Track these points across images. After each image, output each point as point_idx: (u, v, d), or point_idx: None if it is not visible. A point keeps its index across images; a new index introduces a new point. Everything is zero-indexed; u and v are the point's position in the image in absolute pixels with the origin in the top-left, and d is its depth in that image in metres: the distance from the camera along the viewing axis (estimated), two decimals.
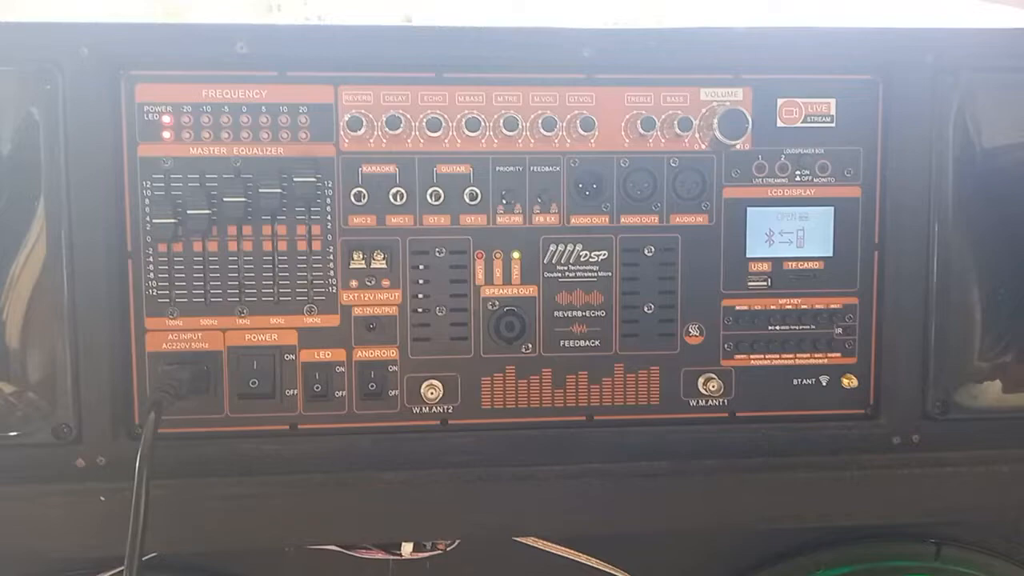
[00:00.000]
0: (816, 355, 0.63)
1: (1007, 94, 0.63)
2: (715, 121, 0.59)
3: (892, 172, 0.61)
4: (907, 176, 0.61)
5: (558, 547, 0.65)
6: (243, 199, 0.58)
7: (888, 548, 0.68)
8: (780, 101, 0.62)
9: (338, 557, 0.64)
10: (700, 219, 0.61)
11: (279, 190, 0.58)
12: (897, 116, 0.61)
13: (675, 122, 0.60)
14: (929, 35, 0.62)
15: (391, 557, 0.63)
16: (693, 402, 0.62)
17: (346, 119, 0.58)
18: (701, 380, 0.62)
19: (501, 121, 0.59)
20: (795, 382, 0.63)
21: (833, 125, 0.61)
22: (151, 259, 0.58)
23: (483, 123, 0.59)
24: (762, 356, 0.62)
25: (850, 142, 0.62)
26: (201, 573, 0.63)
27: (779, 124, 0.61)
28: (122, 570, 0.50)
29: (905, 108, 0.61)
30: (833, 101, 0.62)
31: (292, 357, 0.59)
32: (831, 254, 0.62)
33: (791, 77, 0.61)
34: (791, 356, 0.63)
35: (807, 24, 0.62)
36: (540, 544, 0.65)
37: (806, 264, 0.62)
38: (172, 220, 0.58)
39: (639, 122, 0.59)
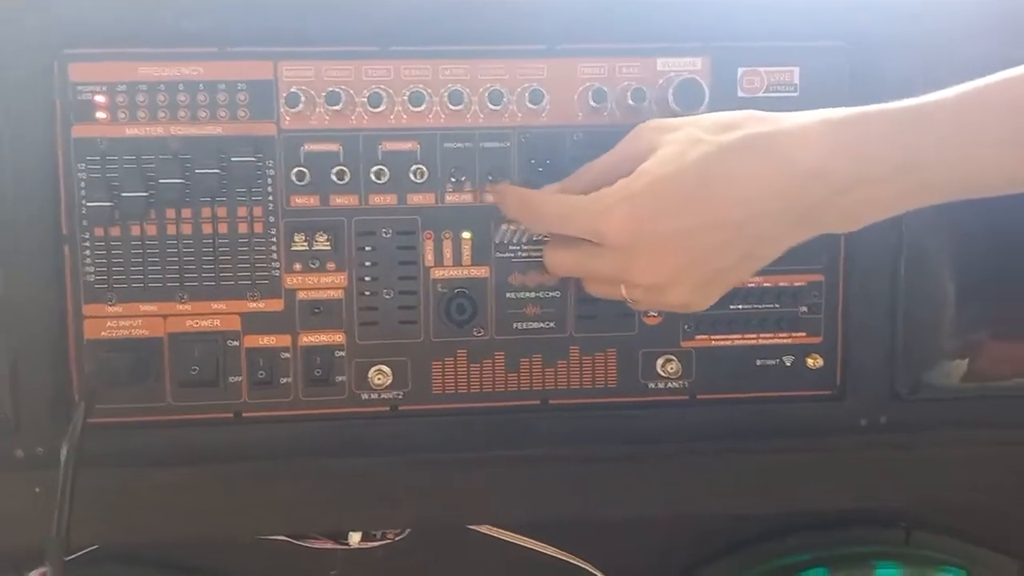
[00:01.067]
0: (780, 335, 0.60)
1: (985, 69, 0.60)
2: (670, 92, 0.56)
3: None
4: None
5: (513, 535, 0.64)
6: (180, 180, 0.56)
7: (856, 533, 0.66)
8: (741, 70, 0.59)
9: (285, 547, 0.63)
10: None
11: (217, 171, 0.56)
12: (866, 87, 0.58)
13: (628, 94, 0.57)
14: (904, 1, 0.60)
15: (339, 547, 0.62)
16: (652, 384, 0.60)
17: (285, 96, 0.56)
18: (660, 362, 0.60)
19: (447, 95, 0.57)
20: (758, 363, 0.60)
21: (796, 95, 0.59)
22: (88, 243, 0.56)
23: (428, 97, 0.57)
24: (723, 336, 0.60)
25: None
26: (146, 565, 0.62)
27: (740, 94, 0.59)
28: None
29: (875, 79, 0.58)
30: (796, 69, 0.59)
31: (235, 343, 0.58)
32: None
33: (753, 44, 0.58)
34: (754, 336, 0.60)
35: None
36: (495, 532, 0.63)
37: None
38: (108, 203, 0.55)
39: (591, 94, 0.57)
